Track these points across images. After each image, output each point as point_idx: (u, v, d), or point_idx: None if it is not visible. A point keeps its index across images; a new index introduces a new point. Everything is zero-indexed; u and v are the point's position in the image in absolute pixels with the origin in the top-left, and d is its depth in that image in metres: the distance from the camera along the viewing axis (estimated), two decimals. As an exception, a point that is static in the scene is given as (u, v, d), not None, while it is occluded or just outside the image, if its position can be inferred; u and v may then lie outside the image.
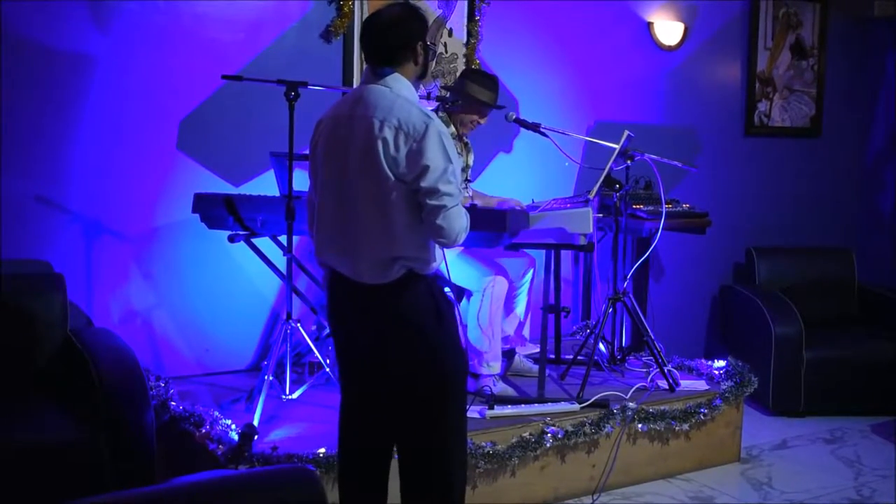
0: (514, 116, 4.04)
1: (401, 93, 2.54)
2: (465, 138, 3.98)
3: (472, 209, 3.54)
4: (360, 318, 2.64)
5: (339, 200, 2.57)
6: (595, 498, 3.67)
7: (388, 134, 2.45)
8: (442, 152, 2.46)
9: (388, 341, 2.60)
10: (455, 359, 2.63)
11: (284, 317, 3.52)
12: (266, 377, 3.42)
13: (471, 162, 4.07)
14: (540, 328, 3.83)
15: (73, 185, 3.79)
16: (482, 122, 3.95)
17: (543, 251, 3.89)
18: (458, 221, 2.50)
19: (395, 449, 2.75)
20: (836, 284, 5.41)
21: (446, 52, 4.52)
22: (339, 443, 2.81)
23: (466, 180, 4.02)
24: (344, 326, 2.72)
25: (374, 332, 2.63)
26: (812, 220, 5.90)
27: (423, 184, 2.44)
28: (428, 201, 2.46)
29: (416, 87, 2.63)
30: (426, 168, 2.43)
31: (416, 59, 2.61)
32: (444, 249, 2.70)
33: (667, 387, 4.02)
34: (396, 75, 2.57)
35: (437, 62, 4.49)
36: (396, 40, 2.57)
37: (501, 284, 3.83)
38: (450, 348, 2.62)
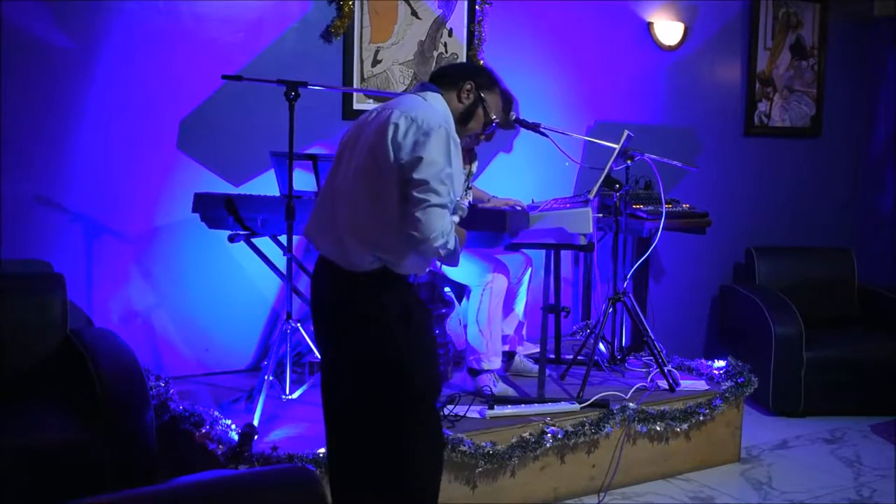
0: (513, 117, 4.04)
1: (432, 104, 2.59)
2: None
3: (472, 209, 3.55)
4: (329, 305, 2.64)
5: (338, 177, 2.61)
6: (601, 497, 3.67)
7: (402, 122, 2.47)
8: (444, 153, 2.46)
9: (347, 334, 2.59)
10: (416, 370, 2.56)
11: (284, 317, 3.52)
12: (266, 377, 3.42)
13: (474, 170, 4.06)
14: (540, 328, 3.83)
15: (73, 185, 3.79)
16: (484, 138, 3.92)
17: (543, 251, 3.88)
18: (438, 221, 2.44)
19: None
20: (836, 284, 5.41)
21: (446, 52, 4.52)
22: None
23: (468, 188, 4.00)
24: (316, 313, 2.71)
25: (337, 320, 2.62)
26: (812, 220, 5.90)
27: (416, 174, 2.43)
28: (414, 193, 2.44)
29: (458, 127, 2.65)
30: (422, 159, 2.43)
31: (459, 95, 2.68)
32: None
33: (667, 387, 4.02)
34: (438, 95, 2.65)
35: (435, 62, 4.49)
36: (449, 68, 2.87)
37: (501, 281, 3.83)
38: (412, 357, 2.56)
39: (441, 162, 2.45)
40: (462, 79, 2.69)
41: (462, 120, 2.69)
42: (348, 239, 2.54)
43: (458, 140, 2.55)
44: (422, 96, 2.63)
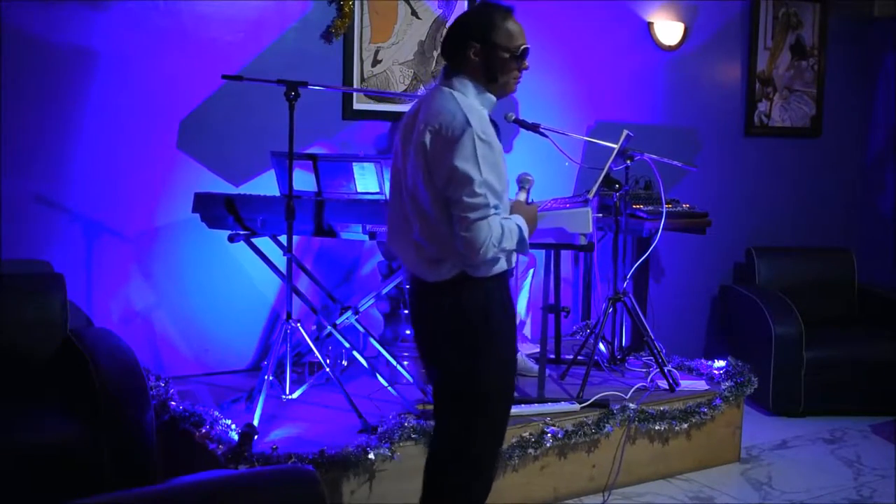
0: (513, 117, 4.03)
1: (457, 94, 2.47)
2: None
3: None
4: (416, 313, 2.65)
5: (397, 197, 2.58)
6: (606, 496, 3.67)
7: (428, 137, 2.40)
8: (472, 161, 2.35)
9: (433, 341, 2.60)
10: (482, 376, 2.53)
11: (284, 317, 3.52)
12: (266, 377, 3.42)
13: None
14: (540, 328, 3.83)
15: (73, 185, 3.79)
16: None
17: (543, 251, 3.88)
18: (483, 233, 2.36)
19: None
20: (836, 284, 5.41)
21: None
22: None
23: None
24: (412, 319, 2.72)
25: (422, 328, 2.64)
26: (812, 220, 5.90)
27: (450, 192, 2.38)
28: (454, 212, 2.39)
29: (491, 91, 2.53)
30: (451, 175, 2.36)
31: (472, 61, 2.50)
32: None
33: (667, 387, 4.02)
34: (463, 78, 2.50)
35: (435, 62, 4.49)
36: (447, 46, 2.55)
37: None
38: (484, 362, 2.52)
39: (471, 171, 2.35)
40: (462, 47, 2.50)
41: (490, 78, 2.51)
42: (420, 258, 2.51)
43: (488, 133, 2.40)
44: (448, 86, 2.50)
